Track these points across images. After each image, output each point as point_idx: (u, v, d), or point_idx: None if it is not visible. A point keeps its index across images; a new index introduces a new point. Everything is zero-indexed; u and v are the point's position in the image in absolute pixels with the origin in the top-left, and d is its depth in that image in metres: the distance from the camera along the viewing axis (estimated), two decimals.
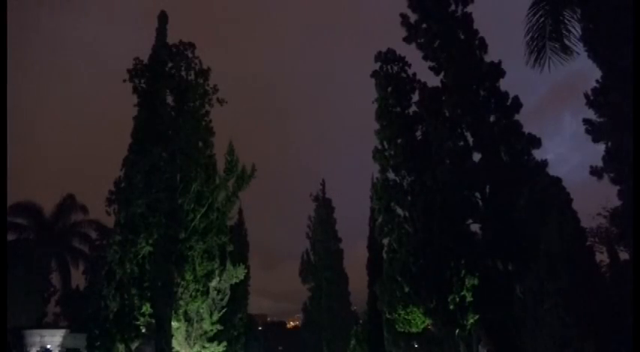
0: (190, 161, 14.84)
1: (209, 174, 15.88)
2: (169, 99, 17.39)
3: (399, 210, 16.75)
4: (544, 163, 13.31)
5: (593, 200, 17.59)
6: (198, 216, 14.72)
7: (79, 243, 29.61)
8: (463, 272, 14.29)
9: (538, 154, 14.00)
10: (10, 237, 25.10)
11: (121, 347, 17.32)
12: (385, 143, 17.54)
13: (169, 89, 17.21)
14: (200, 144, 16.54)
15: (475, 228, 12.94)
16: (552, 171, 14.06)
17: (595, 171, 10.72)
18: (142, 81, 16.86)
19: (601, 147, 10.89)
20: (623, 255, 16.03)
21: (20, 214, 27.06)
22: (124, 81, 17.11)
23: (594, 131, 10.50)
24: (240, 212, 28.26)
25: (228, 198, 16.30)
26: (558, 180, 15.23)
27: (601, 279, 13.91)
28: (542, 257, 9.29)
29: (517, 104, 14.67)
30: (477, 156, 12.80)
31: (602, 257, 17.38)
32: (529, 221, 9.59)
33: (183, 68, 17.36)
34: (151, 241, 14.59)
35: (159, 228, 14.15)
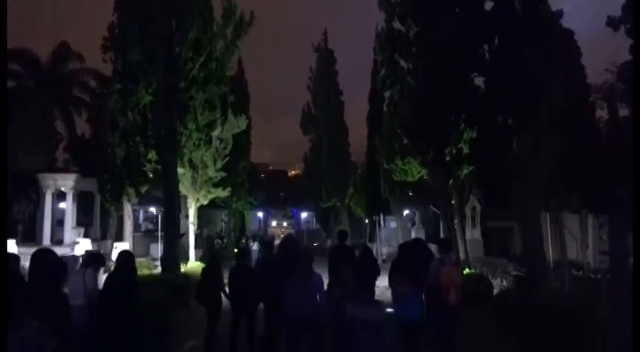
0: (185, 5, 14.01)
1: (206, 20, 15.12)
2: None
3: (403, 63, 16.32)
4: (559, 14, 12.59)
5: (603, 54, 17.08)
6: (197, 66, 14.36)
7: (79, 91, 29.49)
8: (462, 125, 14.45)
9: (554, 3, 13.18)
10: (9, 84, 24.86)
11: (130, 190, 18.30)
12: None
13: None
14: None
15: (479, 81, 12.71)
16: (567, 22, 13.39)
17: (612, 22, 10.21)
18: None
19: None
20: (624, 112, 16.09)
21: (16, 61, 26.48)
22: None
23: None
24: (240, 62, 27.63)
25: (227, 46, 15.74)
26: (570, 32, 14.58)
27: (598, 136, 14.17)
28: (543, 112, 9.31)
29: None
30: (488, 5, 12.03)
31: (602, 113, 17.47)
32: (535, 75, 9.39)
33: None
34: (150, 90, 14.47)
35: (157, 77, 13.91)
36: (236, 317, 7.77)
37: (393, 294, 6.74)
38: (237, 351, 7.70)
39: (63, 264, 3.31)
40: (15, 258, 5.69)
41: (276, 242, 11.10)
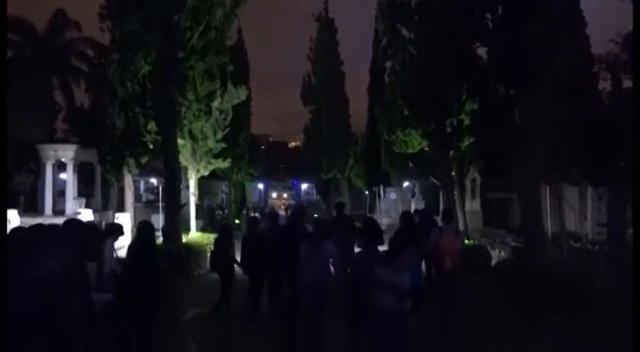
0: None
1: None
2: None
3: (405, 32, 16.09)
4: None
5: (608, 25, 16.82)
6: (196, 35, 14.13)
7: (77, 61, 29.19)
8: (464, 96, 14.35)
9: None
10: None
11: (131, 161, 18.31)
12: None
13: None
14: None
15: (482, 51, 12.55)
16: None
17: None
18: None
19: None
20: (627, 83, 15.94)
21: (12, 30, 26.10)
22: None
23: None
24: (240, 32, 27.21)
25: (226, 15, 15.44)
26: (575, 2, 14.29)
27: (600, 108, 14.07)
28: (546, 83, 9.21)
29: None
30: None
31: (605, 85, 17.31)
32: (539, 46, 9.26)
33: None
34: (149, 60, 14.28)
35: (156, 46, 13.71)
36: (251, 283, 8.14)
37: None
38: (256, 315, 8.04)
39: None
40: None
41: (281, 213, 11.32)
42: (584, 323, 7.67)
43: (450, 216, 9.03)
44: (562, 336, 7.16)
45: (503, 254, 14.43)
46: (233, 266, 8.40)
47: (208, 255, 14.18)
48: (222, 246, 8.54)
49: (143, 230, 5.96)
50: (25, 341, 2.50)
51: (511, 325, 7.89)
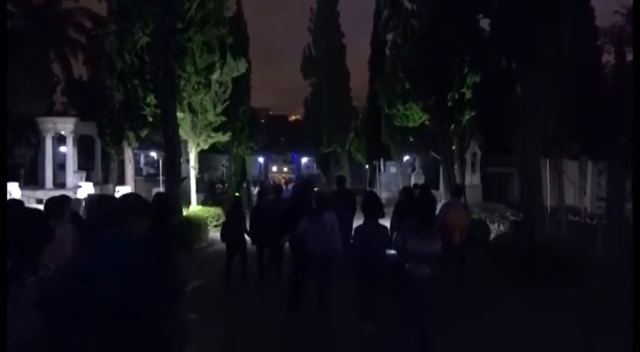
0: None
1: None
2: None
3: (407, 3, 15.83)
4: None
5: None
6: (195, 5, 13.89)
7: (74, 32, 28.78)
8: (466, 69, 14.20)
9: None
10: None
11: (130, 134, 18.25)
12: None
13: None
14: None
15: (485, 24, 12.37)
16: None
17: None
18: None
19: None
20: (631, 57, 15.75)
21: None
22: None
23: None
24: (239, 2, 26.80)
25: None
26: None
27: (603, 81, 13.94)
28: (549, 56, 9.10)
29: None
30: None
31: (608, 58, 17.13)
32: (543, 18, 9.11)
33: None
34: (147, 31, 14.07)
35: (154, 17, 13.49)
36: (259, 250, 8.89)
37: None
38: (264, 279, 8.80)
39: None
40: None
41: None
42: (581, 293, 7.81)
43: (459, 191, 9.42)
44: (558, 304, 7.28)
45: (502, 228, 14.53)
46: (243, 237, 8.99)
47: (209, 228, 14.33)
48: (234, 217, 9.12)
49: (159, 201, 5.74)
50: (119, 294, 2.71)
51: (509, 294, 8.01)
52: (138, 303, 2.76)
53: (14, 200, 6.56)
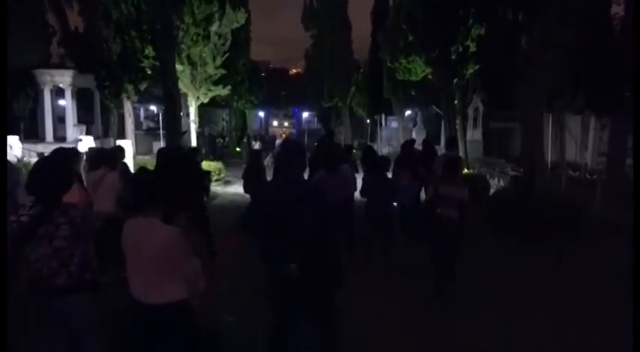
0: None
1: None
2: None
3: None
4: None
5: None
6: None
7: None
8: (470, 21, 13.86)
9: None
10: None
11: (129, 87, 18.05)
12: None
13: None
14: None
15: None
16: None
17: None
18: None
19: None
20: None
21: None
22: None
23: None
24: None
25: None
26: None
27: (610, 35, 13.61)
28: (556, 5, 8.86)
29: None
30: None
31: (617, 9, 16.64)
32: None
33: None
34: None
35: None
36: None
37: (398, 186, 7.59)
38: None
39: None
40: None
41: (278, 141, 11.43)
42: (579, 246, 7.94)
43: (454, 143, 9.55)
44: (553, 258, 7.41)
45: (502, 183, 14.61)
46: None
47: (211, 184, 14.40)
48: (252, 170, 9.32)
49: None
50: None
51: (507, 248, 8.14)
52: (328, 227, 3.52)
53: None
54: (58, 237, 3.00)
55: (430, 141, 10.90)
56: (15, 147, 14.94)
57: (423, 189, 8.16)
